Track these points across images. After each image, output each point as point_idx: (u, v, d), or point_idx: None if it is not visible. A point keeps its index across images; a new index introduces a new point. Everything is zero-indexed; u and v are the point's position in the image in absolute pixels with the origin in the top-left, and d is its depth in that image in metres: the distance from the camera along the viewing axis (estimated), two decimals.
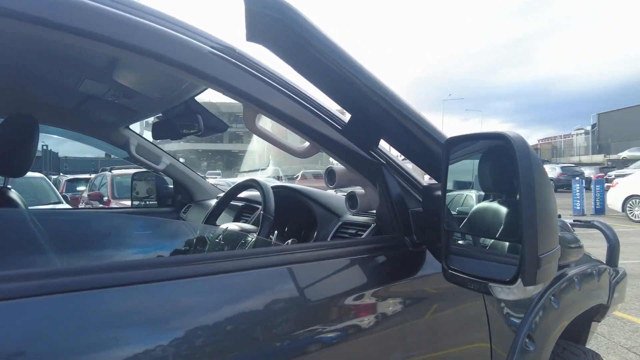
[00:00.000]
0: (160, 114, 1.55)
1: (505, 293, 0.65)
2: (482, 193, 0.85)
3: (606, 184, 11.50)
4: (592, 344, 3.05)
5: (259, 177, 1.65)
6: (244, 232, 1.18)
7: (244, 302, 0.68)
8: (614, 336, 3.20)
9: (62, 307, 0.54)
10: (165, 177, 2.38)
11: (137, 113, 1.66)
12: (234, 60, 0.80)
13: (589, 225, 1.85)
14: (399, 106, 0.87)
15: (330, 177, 1.06)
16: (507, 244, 0.76)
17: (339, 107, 0.96)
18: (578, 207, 11.19)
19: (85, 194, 8.87)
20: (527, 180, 0.64)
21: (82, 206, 7.82)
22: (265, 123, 0.99)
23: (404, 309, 0.87)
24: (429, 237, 0.93)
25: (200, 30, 0.80)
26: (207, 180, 2.54)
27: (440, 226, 0.80)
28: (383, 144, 1.02)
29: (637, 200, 9.59)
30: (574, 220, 1.92)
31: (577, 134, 46.79)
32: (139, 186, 2.38)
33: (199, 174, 2.41)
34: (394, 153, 1.05)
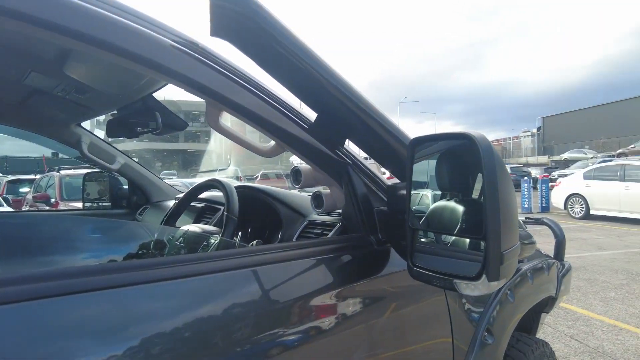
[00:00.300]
0: (116, 111, 1.48)
1: (470, 289, 0.67)
2: (439, 192, 0.87)
3: (550, 184, 12.22)
4: (540, 334, 3.23)
5: (213, 175, 1.58)
6: (207, 234, 1.14)
7: (207, 307, 0.66)
8: (559, 326, 3.40)
9: (4, 319, 0.49)
10: (120, 178, 2.27)
11: (90, 110, 1.56)
12: (197, 55, 0.77)
13: (539, 222, 1.95)
14: (364, 106, 0.88)
15: (296, 177, 1.05)
16: (468, 241, 0.78)
17: (305, 106, 0.96)
18: (526, 206, 11.81)
19: (29, 196, 8.34)
20: (491, 179, 0.66)
21: (26, 209, 7.33)
22: (229, 121, 0.97)
23: (370, 307, 0.87)
24: (394, 235, 0.94)
25: (161, 22, 0.76)
26: (164, 181, 2.45)
27: (406, 224, 0.81)
28: (348, 144, 1.02)
29: (577, 199, 10.27)
30: (526, 218, 2.02)
31: (524, 136, 49.43)
32: (90, 187, 2.25)
33: (155, 174, 2.32)
34: (359, 153, 1.06)
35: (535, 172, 23.07)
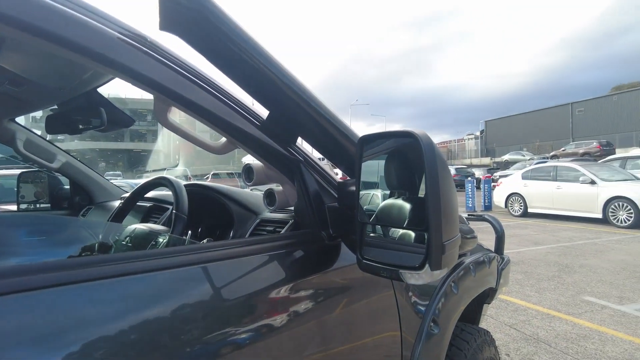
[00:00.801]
0: (56, 106, 1.39)
1: (415, 278, 0.71)
2: (388, 191, 0.90)
3: (492, 184, 12.94)
4: (483, 324, 3.42)
5: (159, 174, 1.53)
6: (155, 233, 1.10)
7: (153, 306, 0.63)
8: (500, 316, 3.61)
9: None
10: (61, 177, 2.14)
11: (26, 104, 1.46)
12: (145, 49, 0.75)
13: (480, 218, 2.08)
14: (315, 105, 0.90)
15: (249, 174, 1.05)
16: (413, 235, 0.82)
17: (257, 103, 0.96)
18: (470, 205, 12.42)
19: None
20: (433, 174, 0.70)
21: None
22: (178, 117, 0.95)
23: (321, 301, 0.89)
24: (344, 230, 0.97)
25: (107, 14, 0.74)
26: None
27: (355, 219, 0.84)
28: (301, 142, 1.03)
29: (517, 198, 10.95)
30: (469, 215, 2.13)
31: (468, 139, 51.93)
32: (26, 188, 2.09)
33: (99, 173, 2.21)
34: (311, 150, 1.07)
35: (478, 172, 24.31)
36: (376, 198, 0.92)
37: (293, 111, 0.92)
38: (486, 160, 41.34)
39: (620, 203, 8.53)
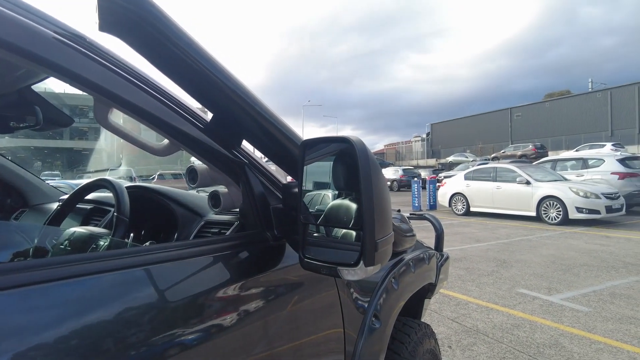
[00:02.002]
0: None
1: (351, 274, 0.75)
2: (336, 192, 0.94)
3: (437, 184, 13.52)
4: (425, 319, 3.58)
5: (101, 175, 1.46)
6: (95, 236, 1.07)
7: (92, 310, 0.62)
8: (443, 311, 3.80)
9: None
10: None
11: None
12: (83, 50, 0.74)
13: (421, 217, 2.18)
14: (258, 108, 0.91)
15: (192, 176, 1.04)
16: (354, 234, 0.86)
17: (200, 106, 0.96)
18: (416, 204, 12.90)
19: None
20: (366, 177, 0.74)
21: None
22: (119, 118, 0.93)
23: (266, 301, 0.90)
24: (289, 231, 0.99)
25: (44, 13, 0.72)
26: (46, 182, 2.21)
27: (297, 220, 0.87)
28: (246, 144, 1.05)
29: (460, 197, 11.51)
30: (410, 214, 2.24)
31: (415, 141, 53.87)
32: None
33: (35, 174, 2.08)
34: (257, 153, 1.09)
35: (424, 173, 25.23)
36: (327, 198, 0.95)
37: (237, 114, 0.93)
38: (432, 162, 43.12)
39: (551, 202, 9.22)
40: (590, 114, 36.39)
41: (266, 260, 0.97)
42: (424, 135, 53.39)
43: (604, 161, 11.11)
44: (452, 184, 11.93)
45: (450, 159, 34.77)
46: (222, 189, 1.10)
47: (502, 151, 31.52)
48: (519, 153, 28.58)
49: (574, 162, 12.08)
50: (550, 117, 39.43)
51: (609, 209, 8.83)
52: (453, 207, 11.74)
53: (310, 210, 0.92)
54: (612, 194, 9.08)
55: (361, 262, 0.73)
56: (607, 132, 34.28)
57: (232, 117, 0.95)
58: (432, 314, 3.72)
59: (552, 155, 18.43)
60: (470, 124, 47.96)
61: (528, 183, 9.76)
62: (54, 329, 0.56)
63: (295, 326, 0.97)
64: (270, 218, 0.98)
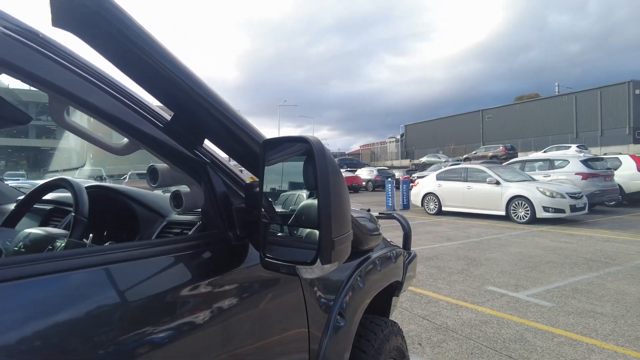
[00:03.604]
0: None
1: (309, 273, 0.76)
2: (309, 192, 0.94)
3: (411, 184, 13.73)
4: (397, 317, 3.63)
5: (69, 176, 1.40)
6: (52, 237, 1.04)
7: (45, 312, 0.60)
8: (414, 309, 3.86)
9: None
10: None
11: None
12: (35, 46, 0.72)
13: (390, 217, 2.22)
14: (220, 107, 0.90)
15: (153, 175, 1.03)
16: (317, 232, 0.87)
17: (160, 104, 0.95)
18: (390, 204, 13.06)
19: None
20: (323, 177, 0.75)
21: None
22: (77, 116, 0.91)
23: (228, 301, 0.90)
24: (251, 231, 0.99)
25: None
26: (6, 182, 2.12)
27: (258, 219, 0.87)
28: (208, 143, 1.04)
29: (432, 197, 11.72)
30: (380, 213, 2.27)
31: (389, 142, 54.55)
32: None
33: None
34: (222, 153, 1.08)
35: (398, 174, 25.57)
36: (301, 198, 0.95)
37: (198, 113, 0.92)
38: (406, 162, 43.79)
39: (520, 201, 9.51)
40: (557, 117, 37.76)
41: (228, 260, 0.96)
42: (399, 136, 54.13)
43: (569, 162, 11.54)
44: (425, 184, 12.13)
45: (424, 159, 35.36)
46: (184, 188, 1.09)
47: (474, 152, 32.30)
48: (490, 154, 29.34)
49: (541, 162, 12.49)
50: (520, 119, 40.68)
51: (573, 208, 9.18)
52: (425, 206, 11.94)
53: (284, 210, 0.93)
54: (576, 194, 9.44)
55: (318, 260, 0.74)
56: (572, 134, 35.65)
57: (193, 116, 0.94)
58: (404, 311, 3.78)
59: (521, 156, 19.02)
60: (444, 125, 48.94)
61: (498, 183, 10.04)
62: (3, 331, 0.55)
63: (258, 326, 0.97)
64: (232, 218, 0.98)
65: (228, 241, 0.97)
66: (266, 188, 0.89)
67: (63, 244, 0.98)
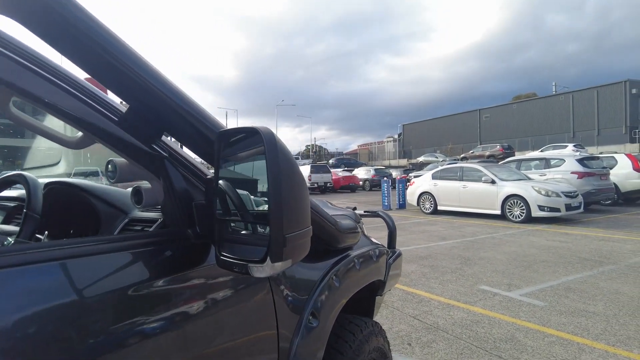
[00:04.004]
0: None
1: (260, 271, 0.71)
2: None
3: (408, 184, 13.69)
4: (387, 317, 3.59)
5: (26, 172, 1.33)
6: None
7: None
8: (405, 308, 3.82)
9: None
10: None
11: None
12: None
13: (375, 215, 2.17)
14: (178, 99, 0.86)
15: (111, 170, 0.98)
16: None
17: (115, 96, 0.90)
18: (386, 203, 13.02)
19: None
20: (274, 169, 0.70)
21: None
22: (27, 109, 0.86)
23: (186, 300, 0.86)
24: (211, 227, 0.95)
25: None
26: None
27: (213, 215, 0.82)
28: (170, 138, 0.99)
29: (427, 196, 11.69)
30: (365, 212, 2.23)
31: (387, 141, 54.59)
32: None
33: None
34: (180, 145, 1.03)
35: (396, 173, 25.58)
36: (257, 192, 0.91)
37: (154, 105, 0.87)
38: (403, 162, 43.84)
39: (515, 200, 9.48)
40: (554, 116, 37.84)
41: (188, 259, 0.92)
42: (396, 136, 54.18)
43: (565, 161, 11.52)
44: (420, 183, 12.09)
45: (421, 159, 35.41)
46: (145, 184, 1.04)
47: (471, 151, 32.33)
48: (487, 153, 29.38)
49: (537, 162, 12.48)
50: (517, 119, 40.77)
51: (568, 207, 9.16)
52: (421, 206, 11.90)
53: (241, 205, 0.88)
54: (571, 193, 9.42)
55: (268, 258, 0.69)
56: (569, 133, 35.74)
57: (150, 108, 0.89)
58: (394, 311, 3.74)
59: (518, 156, 19.02)
60: (441, 124, 49.01)
61: (493, 182, 10.01)
62: None
63: (220, 327, 0.93)
64: (192, 214, 0.93)
65: (186, 239, 0.92)
66: (223, 181, 0.84)
67: (9, 243, 0.93)
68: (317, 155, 51.91)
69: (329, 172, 22.76)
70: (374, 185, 23.57)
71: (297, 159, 42.08)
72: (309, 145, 56.78)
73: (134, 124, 0.89)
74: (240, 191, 0.86)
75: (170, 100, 0.85)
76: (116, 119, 0.87)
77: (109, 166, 0.98)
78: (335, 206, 2.05)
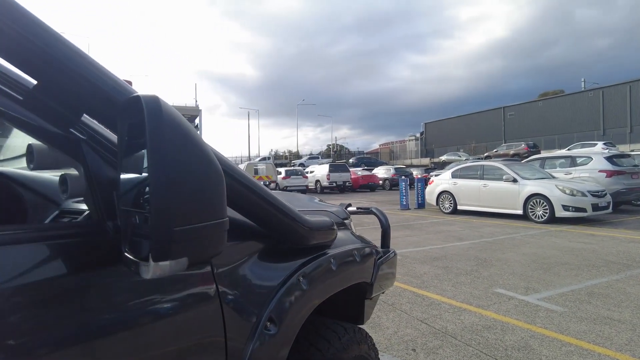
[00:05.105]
0: None
1: (146, 272, 0.57)
2: None
3: (427, 182, 13.38)
4: (393, 320, 3.41)
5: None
6: None
7: None
8: (413, 311, 3.63)
9: None
10: None
11: None
12: None
13: (368, 211, 2.01)
14: (91, 70, 0.73)
15: (30, 155, 0.86)
16: None
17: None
18: (404, 202, 12.75)
19: None
20: (157, 144, 0.56)
21: None
22: None
23: (103, 305, 0.73)
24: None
25: None
26: None
27: (117, 205, 0.69)
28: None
29: (447, 195, 11.36)
30: (357, 208, 2.07)
31: (409, 140, 53.87)
32: None
33: None
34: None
35: (416, 172, 25.18)
36: None
37: (66, 80, 0.74)
38: (425, 161, 43.14)
39: (538, 200, 9.09)
40: (582, 113, 36.51)
41: (100, 256, 0.78)
42: (418, 135, 53.43)
43: (592, 159, 10.99)
44: (439, 182, 11.76)
45: (444, 158, 34.79)
46: (73, 171, 0.92)
47: (495, 150, 31.53)
48: (512, 152, 28.57)
49: (562, 160, 11.96)
50: (543, 116, 39.56)
51: (595, 207, 8.71)
52: (440, 205, 11.58)
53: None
54: (598, 192, 8.96)
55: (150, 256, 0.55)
56: (599, 131, 34.39)
57: (62, 84, 0.76)
58: (401, 314, 3.56)
59: (543, 154, 18.37)
60: (464, 123, 48.02)
61: (515, 181, 9.63)
62: None
63: (146, 333, 0.79)
64: (113, 205, 0.80)
65: (105, 233, 0.79)
66: (125, 163, 0.70)
67: None
68: (337, 154, 51.72)
69: (348, 171, 22.54)
70: (394, 184, 23.28)
71: (317, 158, 41.99)
72: (330, 145, 56.74)
73: (44, 102, 0.76)
74: (138, 175, 0.72)
75: (81, 71, 0.71)
76: (21, 98, 0.75)
77: (28, 151, 0.86)
78: (323, 202, 1.90)
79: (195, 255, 0.60)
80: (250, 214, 1.01)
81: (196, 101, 47.42)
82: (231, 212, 1.08)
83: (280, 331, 1.06)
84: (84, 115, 0.82)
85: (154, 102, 0.58)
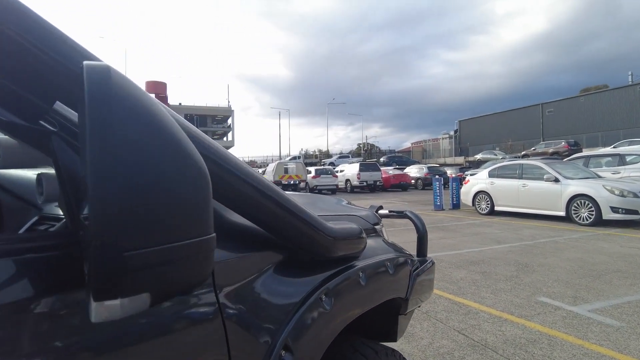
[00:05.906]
0: None
1: (90, 313, 0.40)
2: None
3: (463, 182, 12.91)
4: (427, 330, 3.18)
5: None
6: None
7: None
8: (450, 321, 3.38)
9: None
10: None
11: None
12: None
13: (402, 215, 1.81)
14: (68, 47, 0.58)
15: None
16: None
17: None
18: (438, 203, 12.34)
19: None
20: (99, 125, 0.39)
21: None
22: None
23: (75, 330, 0.59)
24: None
25: None
26: None
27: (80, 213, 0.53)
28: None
29: (483, 196, 10.88)
30: (390, 211, 1.87)
31: (443, 138, 52.61)
32: None
33: None
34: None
35: (450, 171, 24.49)
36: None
37: (32, 60, 0.59)
38: (460, 160, 41.97)
39: (583, 201, 8.53)
40: (629, 109, 34.47)
41: (70, 273, 0.63)
42: (452, 133, 52.11)
43: None
44: (476, 181, 11.28)
45: (479, 156, 33.74)
46: (50, 170, 0.78)
47: (533, 148, 30.24)
48: (551, 150, 27.32)
49: (609, 158, 11.23)
50: (585, 113, 37.67)
51: None
52: (477, 206, 11.11)
53: None
54: None
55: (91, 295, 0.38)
56: None
57: (31, 67, 0.61)
58: (437, 323, 3.32)
59: (586, 152, 17.40)
60: (500, 120, 46.43)
61: (557, 180, 9.08)
62: None
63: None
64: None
65: (76, 244, 0.64)
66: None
67: None
68: (367, 153, 51.17)
69: (379, 170, 22.14)
70: (426, 184, 22.73)
71: (347, 157, 41.64)
72: (361, 144, 56.26)
73: (5, 88, 0.62)
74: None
75: (57, 53, 0.56)
76: None
77: None
78: (351, 204, 1.72)
79: (163, 289, 0.43)
80: (259, 220, 0.84)
81: (229, 102, 48.19)
82: (238, 218, 0.92)
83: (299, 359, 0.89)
84: (57, 102, 0.67)
85: (101, 71, 0.41)
